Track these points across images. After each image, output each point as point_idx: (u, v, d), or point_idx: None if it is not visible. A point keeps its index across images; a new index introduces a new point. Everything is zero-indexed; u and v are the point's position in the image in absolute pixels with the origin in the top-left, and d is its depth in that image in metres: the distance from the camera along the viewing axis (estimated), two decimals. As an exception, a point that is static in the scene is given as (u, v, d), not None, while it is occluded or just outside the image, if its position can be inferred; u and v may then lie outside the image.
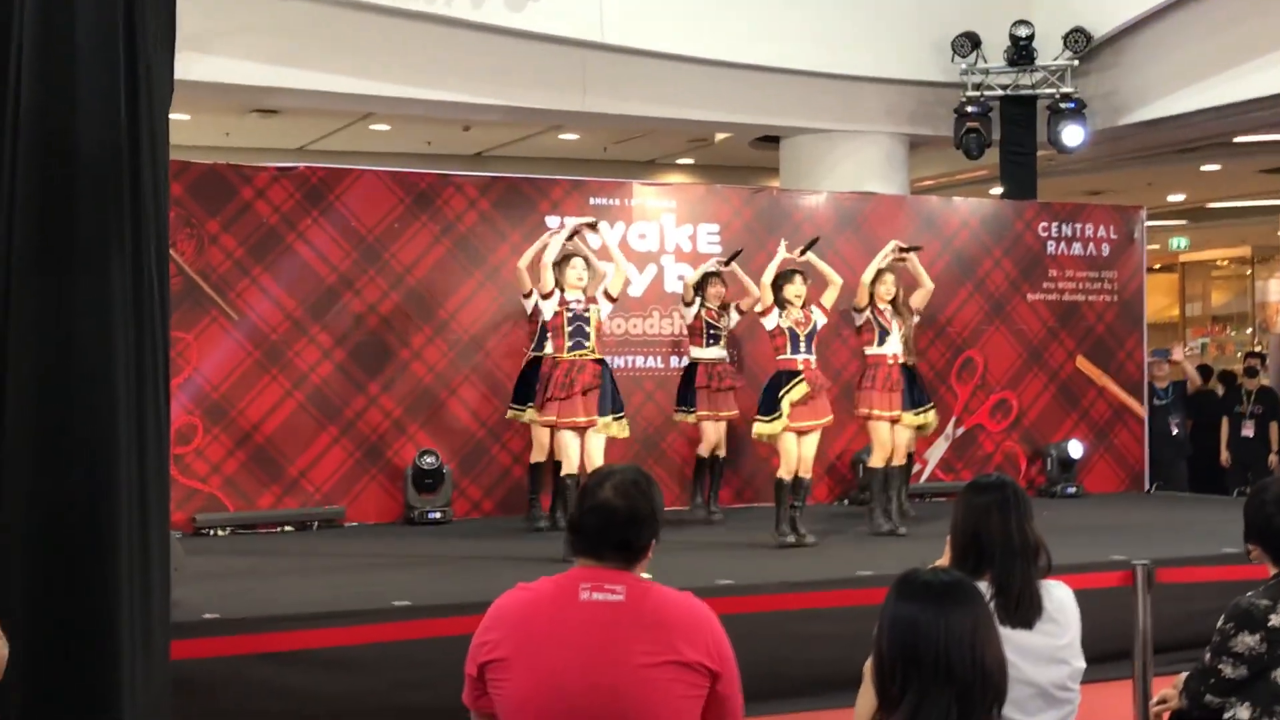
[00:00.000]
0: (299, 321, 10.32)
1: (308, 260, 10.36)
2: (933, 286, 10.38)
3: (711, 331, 10.31)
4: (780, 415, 8.97)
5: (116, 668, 3.82)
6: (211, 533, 9.81)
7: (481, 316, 10.82)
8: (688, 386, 10.38)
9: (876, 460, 9.80)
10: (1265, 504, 4.35)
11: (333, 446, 10.38)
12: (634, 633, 3.21)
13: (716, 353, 10.32)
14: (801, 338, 9.11)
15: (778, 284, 9.23)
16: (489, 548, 9.09)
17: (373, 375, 10.53)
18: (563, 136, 16.74)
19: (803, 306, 9.18)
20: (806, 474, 9.13)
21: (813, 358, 9.17)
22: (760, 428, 9.17)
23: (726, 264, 10.46)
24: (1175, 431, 13.41)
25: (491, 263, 10.82)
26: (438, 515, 10.34)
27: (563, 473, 8.89)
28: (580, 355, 8.84)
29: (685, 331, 10.64)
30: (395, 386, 10.58)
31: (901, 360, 9.84)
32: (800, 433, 9.04)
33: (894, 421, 9.76)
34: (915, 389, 10.09)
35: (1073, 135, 13.36)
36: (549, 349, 9.16)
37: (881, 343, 9.76)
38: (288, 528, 10.12)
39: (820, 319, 9.26)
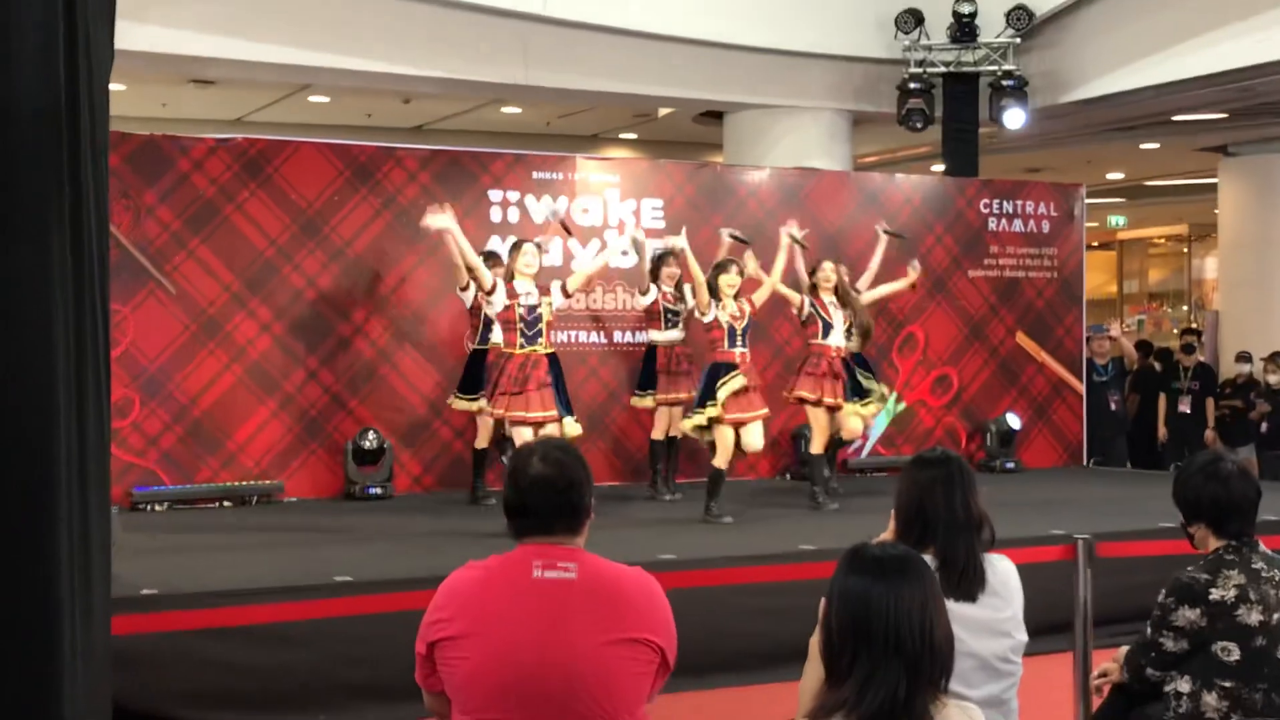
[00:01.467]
0: (237, 294, 10.21)
1: (246, 233, 10.25)
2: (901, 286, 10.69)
3: (670, 315, 10.26)
4: (714, 404, 8.98)
5: (56, 642, 3.77)
6: (149, 508, 9.71)
7: (422, 291, 10.75)
8: (649, 370, 10.34)
9: (816, 446, 9.82)
10: (1192, 479, 4.37)
11: (271, 421, 10.29)
12: (587, 610, 3.20)
13: (674, 335, 10.26)
14: (738, 332, 9.14)
15: (714, 273, 9.23)
16: (430, 523, 9.06)
17: (312, 349, 10.44)
18: (505, 110, 16.65)
19: (735, 298, 9.19)
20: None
21: (747, 351, 9.21)
22: (689, 422, 9.20)
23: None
24: (1114, 408, 13.54)
25: (432, 237, 10.71)
26: (378, 490, 10.29)
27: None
28: (533, 350, 8.77)
29: (643, 318, 10.57)
30: (335, 361, 10.50)
31: (844, 354, 9.84)
32: (737, 425, 9.05)
33: (831, 408, 9.74)
34: (859, 377, 10.13)
35: (1014, 118, 13.41)
36: (494, 340, 9.12)
37: (825, 335, 9.74)
38: (226, 503, 10.03)
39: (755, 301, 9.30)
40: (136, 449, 9.86)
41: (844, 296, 9.83)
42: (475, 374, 9.78)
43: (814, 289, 9.77)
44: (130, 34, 10.04)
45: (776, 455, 11.73)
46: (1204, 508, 4.33)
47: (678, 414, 10.14)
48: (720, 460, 9.08)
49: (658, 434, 10.39)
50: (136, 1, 10.23)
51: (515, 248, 9.05)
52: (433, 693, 3.34)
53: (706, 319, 9.18)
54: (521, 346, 8.75)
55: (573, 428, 8.83)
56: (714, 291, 9.17)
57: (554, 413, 8.70)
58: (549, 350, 8.89)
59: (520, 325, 8.75)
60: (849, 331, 9.89)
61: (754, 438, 9.17)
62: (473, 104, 16.18)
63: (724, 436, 9.06)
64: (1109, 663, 4.54)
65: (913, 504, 3.97)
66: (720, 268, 9.29)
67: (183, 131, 10.84)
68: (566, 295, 9.11)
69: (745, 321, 9.19)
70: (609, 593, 3.24)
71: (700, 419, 9.12)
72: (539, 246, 9.10)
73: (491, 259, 9.65)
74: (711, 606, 6.66)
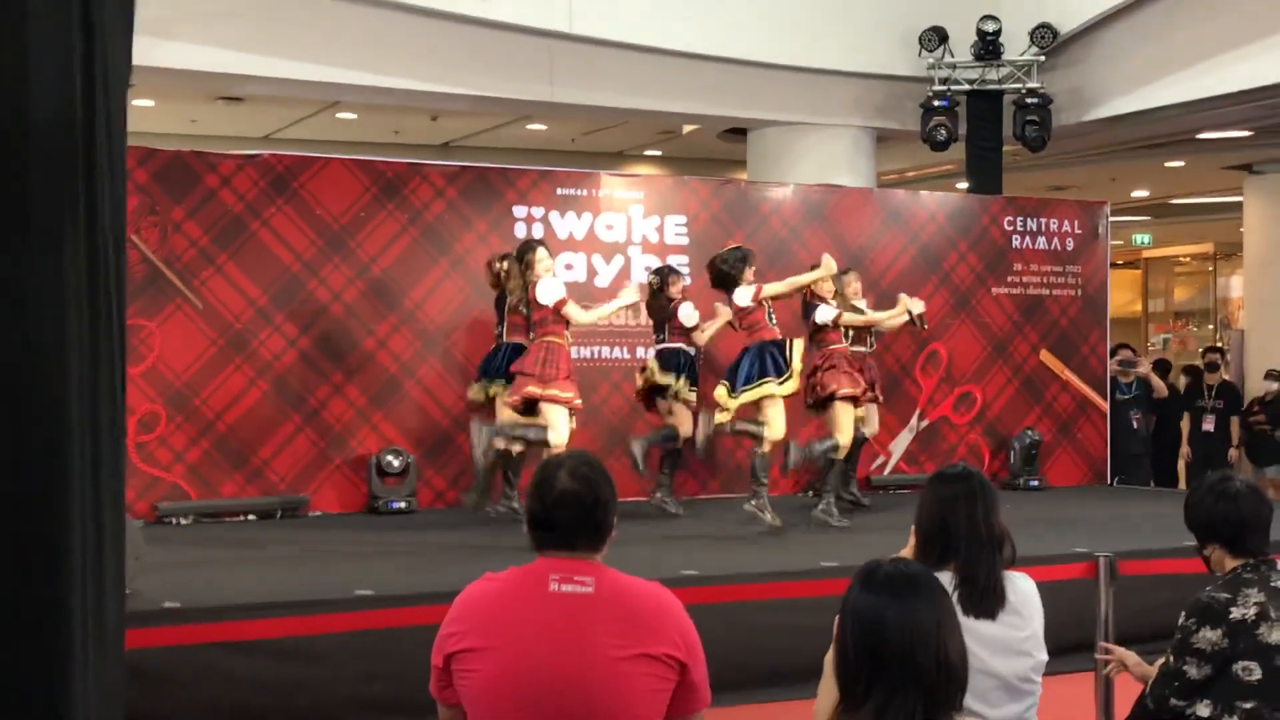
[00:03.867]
0: (263, 310, 10.26)
1: (272, 248, 10.30)
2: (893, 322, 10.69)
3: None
4: (785, 378, 9.05)
5: (68, 657, 3.76)
6: (174, 521, 9.76)
7: (448, 306, 10.79)
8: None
9: (842, 449, 9.87)
10: (1203, 500, 4.35)
11: (296, 435, 10.34)
12: (603, 625, 3.19)
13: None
14: (769, 310, 9.28)
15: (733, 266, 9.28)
16: (452, 538, 9.07)
17: (337, 364, 10.48)
18: (531, 127, 16.71)
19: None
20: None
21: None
22: (751, 393, 9.12)
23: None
24: (1136, 426, 13.49)
25: (457, 252, 10.79)
26: (402, 505, 10.32)
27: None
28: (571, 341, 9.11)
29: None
30: (360, 376, 10.54)
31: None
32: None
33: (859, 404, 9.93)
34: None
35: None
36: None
37: (845, 338, 9.91)
38: (251, 516, 10.08)
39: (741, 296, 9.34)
40: (163, 463, 9.91)
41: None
42: (499, 361, 9.76)
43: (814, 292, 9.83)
44: (159, 51, 10.16)
45: (797, 470, 11.69)
46: (1216, 528, 4.31)
47: (696, 417, 10.18)
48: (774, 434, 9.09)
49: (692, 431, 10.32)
50: (165, 19, 10.32)
51: (530, 250, 9.09)
52: (448, 705, 3.33)
53: (744, 303, 9.19)
54: (569, 341, 9.00)
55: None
56: (735, 280, 9.19)
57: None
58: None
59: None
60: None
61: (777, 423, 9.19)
62: (499, 121, 16.24)
63: (777, 415, 9.08)
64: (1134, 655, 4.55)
65: (934, 520, 3.96)
66: (741, 254, 9.37)
67: (211, 148, 10.91)
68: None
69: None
70: (626, 607, 3.23)
71: (786, 387, 9.08)
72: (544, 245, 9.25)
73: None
74: (731, 622, 6.65)
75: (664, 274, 10.36)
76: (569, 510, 3.26)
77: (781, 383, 9.05)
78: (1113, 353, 13.50)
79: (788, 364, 9.08)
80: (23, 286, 3.78)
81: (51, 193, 3.82)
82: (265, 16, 11.45)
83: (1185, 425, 14.27)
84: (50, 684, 3.74)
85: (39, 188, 3.80)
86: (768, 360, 9.08)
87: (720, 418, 9.26)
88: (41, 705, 3.73)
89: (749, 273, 9.22)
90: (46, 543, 3.74)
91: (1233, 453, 13.91)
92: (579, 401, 8.94)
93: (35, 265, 3.78)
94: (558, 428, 8.73)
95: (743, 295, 9.18)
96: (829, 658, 2.90)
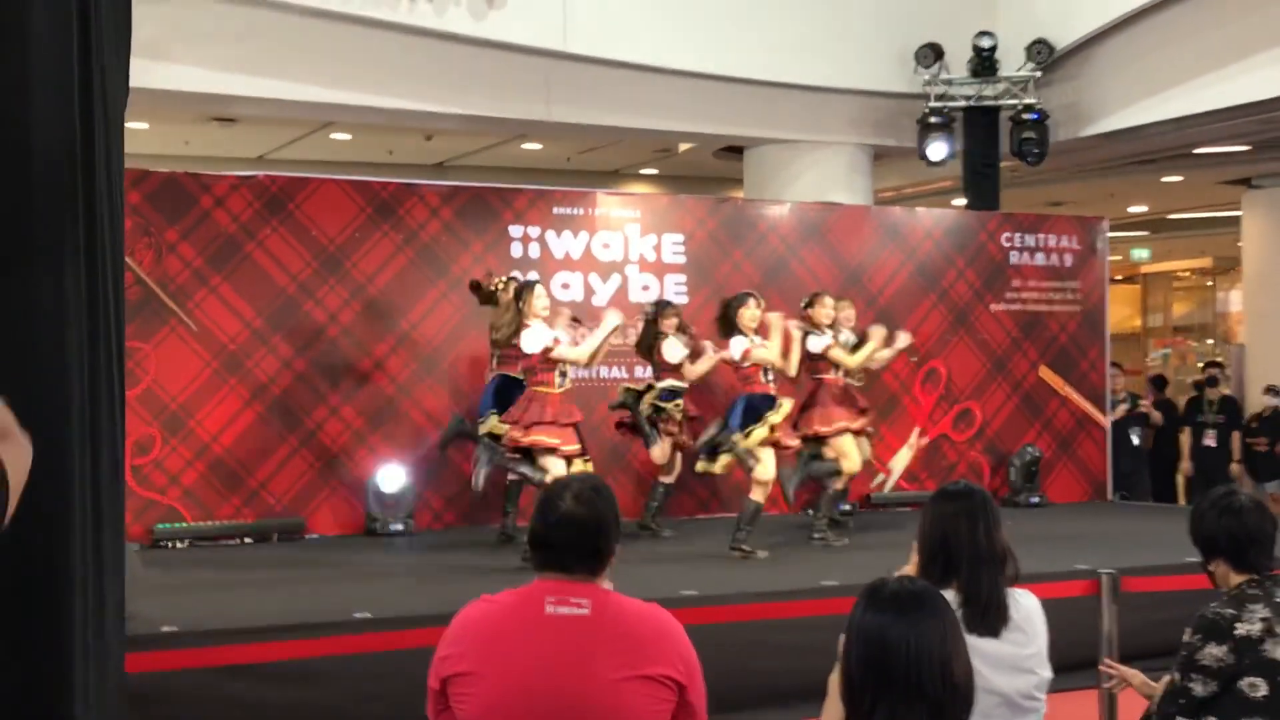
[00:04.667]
0: (258, 331, 10.23)
1: (267, 270, 10.27)
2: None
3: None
4: (763, 425, 9.03)
5: (68, 681, 3.75)
6: (170, 544, 9.71)
7: (444, 327, 10.76)
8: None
9: (844, 480, 9.95)
10: (1206, 515, 4.33)
11: (293, 457, 10.30)
12: (600, 647, 3.16)
13: (672, 383, 10.20)
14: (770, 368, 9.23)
15: (733, 307, 9.24)
16: (451, 560, 9.03)
17: (333, 386, 10.45)
18: (526, 146, 16.70)
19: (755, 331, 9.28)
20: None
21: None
22: (744, 442, 9.12)
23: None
24: (1136, 441, 13.47)
25: (454, 273, 10.75)
26: (399, 527, 10.27)
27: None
28: (566, 388, 8.92)
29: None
30: (356, 397, 10.51)
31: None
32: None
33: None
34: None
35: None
36: (519, 374, 9.18)
37: (836, 368, 9.86)
38: (247, 539, 10.02)
39: (735, 349, 9.26)
40: (158, 486, 9.87)
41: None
42: (504, 397, 9.71)
43: (807, 318, 9.76)
44: (152, 72, 10.14)
45: (800, 490, 11.65)
46: (1220, 543, 4.28)
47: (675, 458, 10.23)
48: (759, 494, 9.07)
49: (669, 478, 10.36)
50: (159, 40, 10.30)
51: (528, 289, 8.99)
52: (444, 728, 3.31)
53: (745, 363, 9.17)
54: (559, 386, 8.85)
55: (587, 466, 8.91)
56: (735, 326, 9.16)
57: (582, 450, 8.84)
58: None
59: (560, 365, 8.86)
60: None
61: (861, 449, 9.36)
62: (494, 140, 16.23)
63: (766, 466, 9.05)
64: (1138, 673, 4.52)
65: (936, 538, 3.94)
66: (740, 301, 9.27)
67: (205, 169, 10.87)
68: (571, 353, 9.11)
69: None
70: (624, 629, 3.21)
71: (757, 436, 9.06)
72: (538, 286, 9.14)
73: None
74: (733, 642, 6.61)
75: (660, 307, 10.29)
76: (569, 533, 3.24)
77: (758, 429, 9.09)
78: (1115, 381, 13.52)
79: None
80: (23, 306, 3.77)
81: (51, 214, 3.83)
82: (259, 37, 11.43)
83: (1185, 440, 14.24)
84: (51, 706, 3.72)
85: (39, 209, 3.80)
86: (753, 411, 9.13)
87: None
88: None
89: (744, 314, 9.18)
90: (47, 564, 3.73)
91: (1234, 467, 13.89)
92: (569, 447, 8.79)
93: (35, 285, 3.78)
94: (550, 470, 8.71)
95: (736, 347, 9.17)
96: (833, 677, 2.86)
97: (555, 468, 8.61)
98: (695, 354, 10.13)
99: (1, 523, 2.38)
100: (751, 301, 9.26)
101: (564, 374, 8.91)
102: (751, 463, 9.03)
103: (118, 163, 4.17)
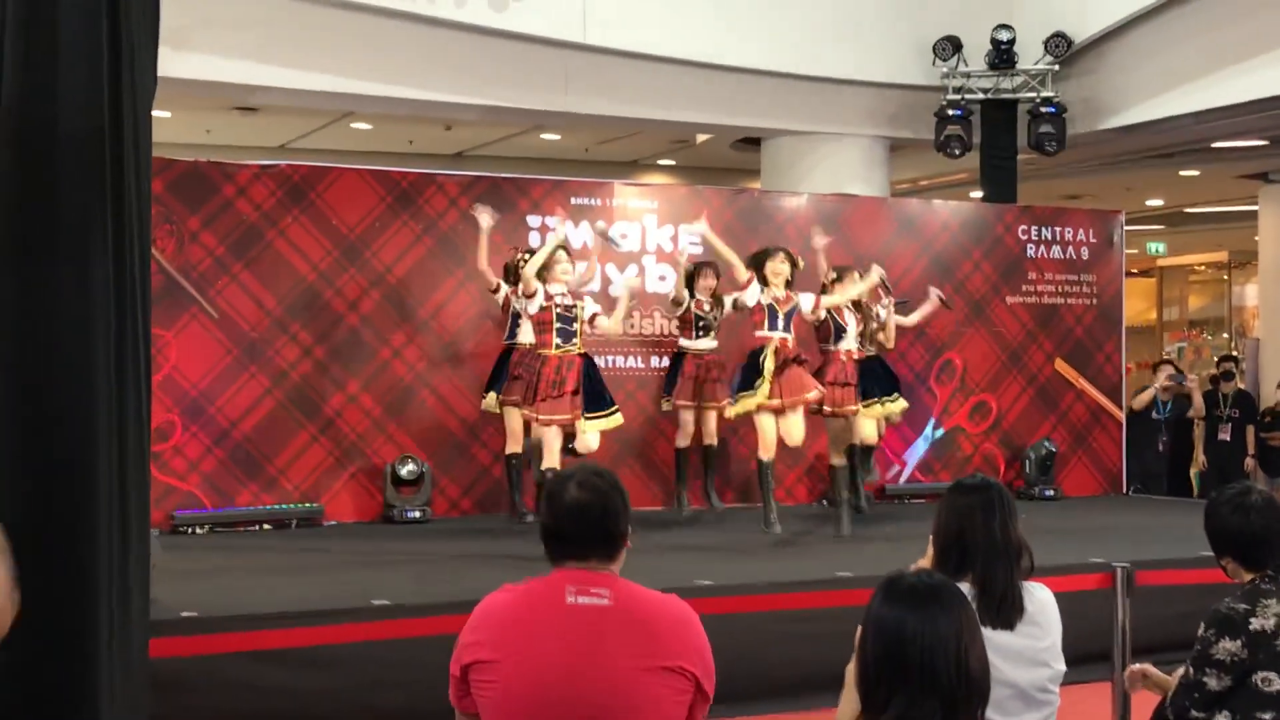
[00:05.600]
0: (279, 319, 10.28)
1: (288, 258, 10.33)
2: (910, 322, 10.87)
3: (701, 323, 10.24)
4: (762, 382, 8.96)
5: (94, 666, 3.79)
6: (190, 530, 9.77)
7: (462, 315, 10.80)
8: (673, 376, 10.33)
9: (833, 457, 9.83)
10: (1219, 511, 4.35)
11: (312, 444, 10.35)
12: (621, 637, 3.19)
13: (707, 344, 10.23)
14: (780, 315, 9.15)
15: (760, 260, 9.25)
16: (468, 547, 9.07)
17: (352, 373, 10.50)
18: (544, 136, 16.72)
19: (785, 287, 9.20)
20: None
21: (789, 336, 9.19)
22: (735, 408, 9.18)
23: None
24: (1161, 448, 13.47)
25: (472, 262, 10.76)
26: (417, 514, 10.32)
27: (544, 466, 8.83)
28: (567, 352, 8.85)
29: (676, 327, 10.58)
30: (375, 385, 10.56)
31: (857, 356, 9.88)
32: (778, 411, 9.03)
33: (841, 416, 9.75)
34: (879, 379, 10.15)
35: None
36: (521, 339, 9.26)
37: (838, 339, 9.79)
38: (266, 525, 10.08)
39: (804, 303, 9.27)
40: (178, 472, 9.93)
41: (861, 306, 10.01)
42: (502, 370, 9.85)
43: (824, 290, 9.79)
44: (175, 62, 10.17)
45: (814, 480, 11.71)
46: (1230, 540, 4.31)
47: (713, 421, 10.19)
48: (763, 451, 9.07)
49: (682, 441, 10.38)
50: (181, 29, 10.33)
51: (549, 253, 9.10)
52: (466, 714, 3.34)
53: (749, 300, 9.19)
54: (557, 347, 8.85)
55: (612, 422, 8.98)
56: (761, 278, 9.20)
57: (581, 413, 8.82)
58: (582, 351, 8.98)
59: (557, 325, 8.85)
60: (862, 336, 10.00)
61: (794, 429, 9.10)
62: (513, 130, 16.26)
63: (764, 424, 9.05)
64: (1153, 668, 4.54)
65: (951, 530, 3.97)
66: (768, 254, 9.31)
67: (227, 158, 10.91)
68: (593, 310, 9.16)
69: (790, 306, 9.23)
70: (643, 620, 3.24)
71: (745, 404, 9.08)
72: (569, 252, 9.27)
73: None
74: (748, 633, 6.65)
75: (700, 267, 10.30)
76: (579, 521, 3.27)
77: (754, 392, 9.07)
78: (1155, 367, 13.48)
79: (760, 370, 9.09)
80: (51, 295, 3.81)
81: (79, 203, 3.86)
82: (280, 27, 11.49)
83: (1199, 433, 14.22)
84: (76, 691, 3.76)
85: (67, 198, 3.83)
86: (747, 370, 9.16)
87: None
88: (69, 713, 3.74)
89: (770, 266, 9.25)
90: (73, 550, 3.76)
91: (1249, 462, 13.87)
92: (559, 416, 8.79)
93: (63, 274, 3.81)
94: (546, 444, 8.80)
95: (751, 295, 9.24)
96: (850, 668, 2.90)
97: (551, 439, 8.70)
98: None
99: None
100: (780, 255, 9.29)
101: (566, 335, 8.88)
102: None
103: (145, 152, 4.20)
